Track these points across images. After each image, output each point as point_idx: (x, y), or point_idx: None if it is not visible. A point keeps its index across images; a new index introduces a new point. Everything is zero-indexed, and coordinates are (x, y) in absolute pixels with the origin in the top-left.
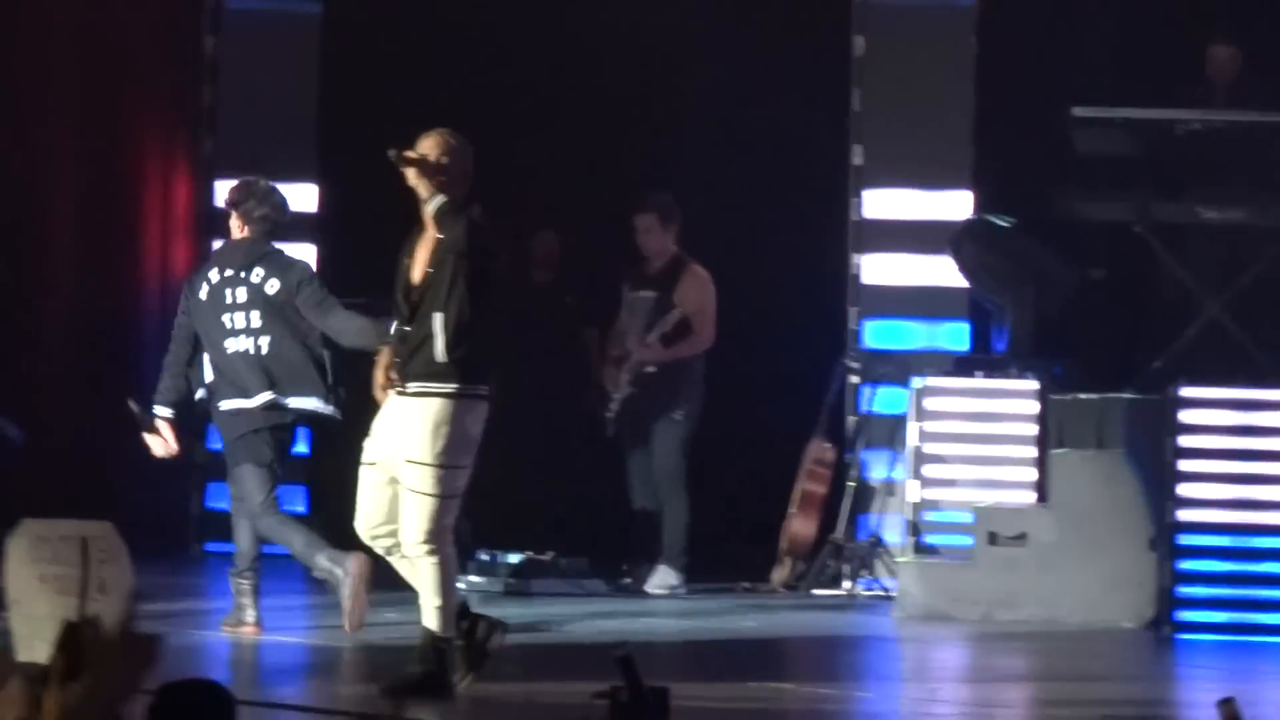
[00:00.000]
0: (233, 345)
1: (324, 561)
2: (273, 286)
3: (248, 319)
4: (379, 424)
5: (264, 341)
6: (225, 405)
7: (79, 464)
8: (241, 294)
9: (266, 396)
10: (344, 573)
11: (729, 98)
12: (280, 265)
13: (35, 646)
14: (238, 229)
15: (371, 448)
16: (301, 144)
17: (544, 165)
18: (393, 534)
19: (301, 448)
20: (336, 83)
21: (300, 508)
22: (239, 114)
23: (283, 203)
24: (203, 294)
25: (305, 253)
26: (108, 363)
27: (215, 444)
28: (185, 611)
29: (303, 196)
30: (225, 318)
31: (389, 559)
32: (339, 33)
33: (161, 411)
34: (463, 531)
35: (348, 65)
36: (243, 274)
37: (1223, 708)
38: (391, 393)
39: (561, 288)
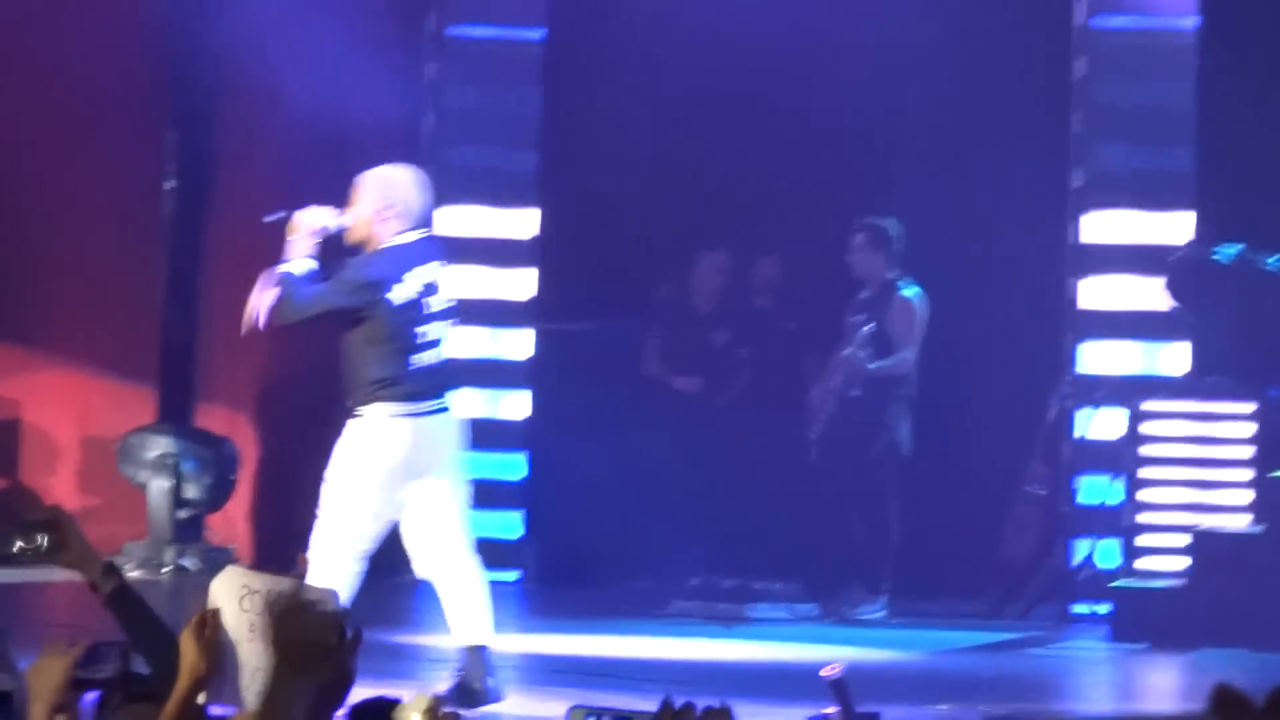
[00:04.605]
0: None
1: None
2: None
3: None
4: None
5: None
6: None
7: (284, 490)
8: None
9: None
10: None
11: (947, 121)
12: None
13: (249, 696)
14: None
15: None
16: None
17: (766, 192)
18: None
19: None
20: (557, 110)
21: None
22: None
23: None
24: None
25: (526, 278)
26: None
27: None
28: None
29: (524, 222)
30: None
31: None
32: (560, 60)
33: None
34: None
35: (569, 93)
36: None
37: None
38: None
39: (782, 314)
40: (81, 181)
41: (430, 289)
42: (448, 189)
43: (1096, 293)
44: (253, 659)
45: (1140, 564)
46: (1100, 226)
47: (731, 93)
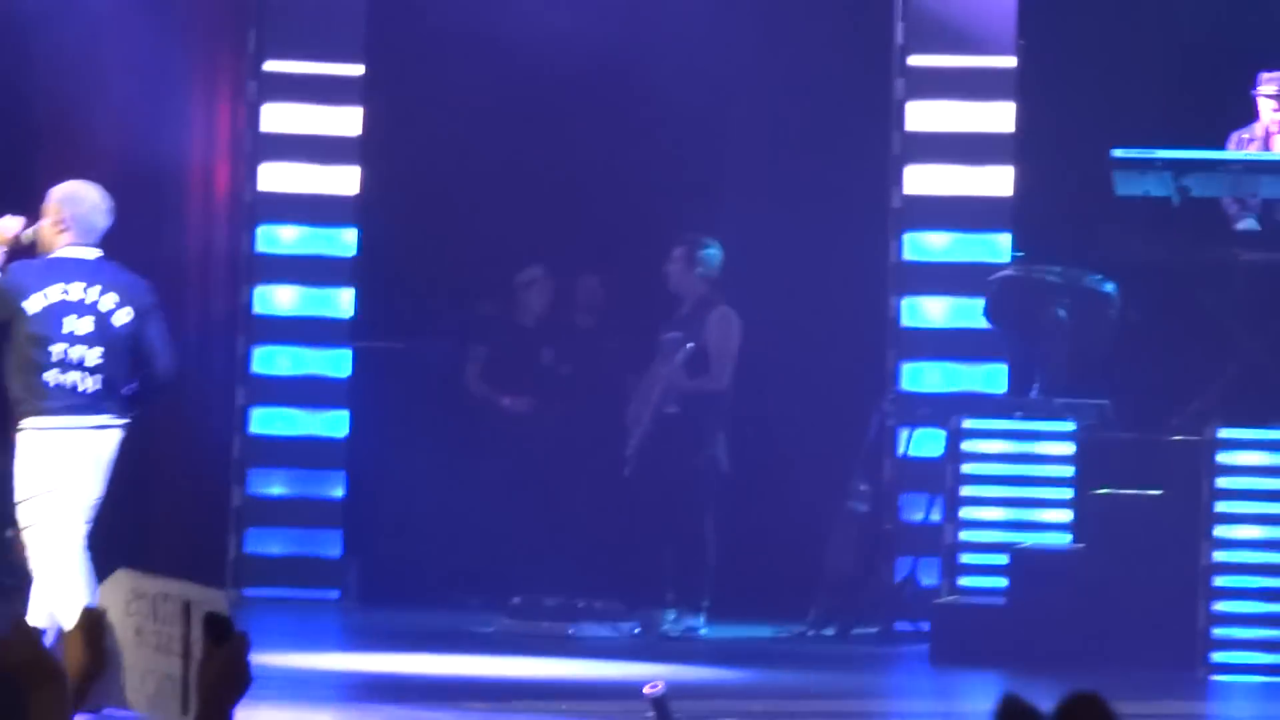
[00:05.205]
0: None
1: None
2: None
3: None
4: None
5: None
6: None
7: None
8: None
9: None
10: None
11: (769, 139)
12: None
13: (138, 699)
14: None
15: None
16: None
17: (588, 210)
18: None
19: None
20: (376, 129)
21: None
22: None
23: None
24: None
25: (344, 296)
26: None
27: (256, 488)
28: None
29: (342, 240)
30: None
31: None
32: (379, 82)
33: None
34: None
35: (388, 112)
36: None
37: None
38: None
39: (604, 333)
40: None
41: (71, 308)
42: (268, 208)
43: (918, 311)
44: (140, 661)
45: (961, 582)
46: (920, 245)
47: (553, 112)
